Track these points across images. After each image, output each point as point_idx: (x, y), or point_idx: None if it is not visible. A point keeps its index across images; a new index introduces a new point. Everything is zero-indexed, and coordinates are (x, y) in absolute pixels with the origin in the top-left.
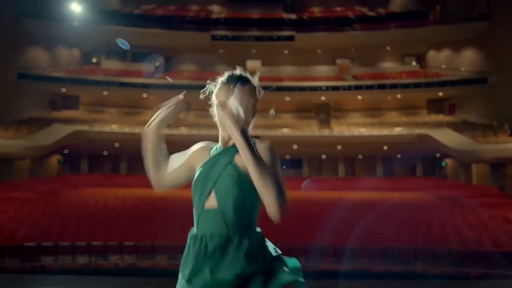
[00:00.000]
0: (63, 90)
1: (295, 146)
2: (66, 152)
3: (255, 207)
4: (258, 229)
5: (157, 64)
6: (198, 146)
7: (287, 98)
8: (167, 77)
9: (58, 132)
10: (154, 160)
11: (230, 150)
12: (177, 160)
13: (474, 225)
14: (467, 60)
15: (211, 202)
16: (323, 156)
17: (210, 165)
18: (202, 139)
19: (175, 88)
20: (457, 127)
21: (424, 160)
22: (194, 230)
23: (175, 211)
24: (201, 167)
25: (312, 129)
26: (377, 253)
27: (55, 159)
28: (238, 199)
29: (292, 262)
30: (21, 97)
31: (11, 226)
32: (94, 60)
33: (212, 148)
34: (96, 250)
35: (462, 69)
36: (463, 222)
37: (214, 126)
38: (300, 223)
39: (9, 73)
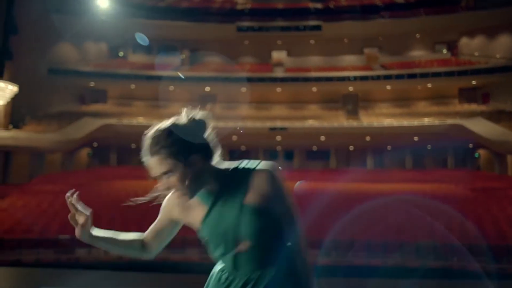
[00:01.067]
0: (92, 84)
1: (322, 138)
2: (95, 146)
3: (284, 235)
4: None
5: (183, 56)
6: (173, 199)
7: (314, 89)
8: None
9: (88, 126)
10: (126, 249)
11: (233, 193)
12: (155, 227)
13: None
14: (502, 46)
15: (242, 246)
16: (351, 148)
17: (219, 215)
18: (228, 132)
19: (201, 81)
20: (492, 116)
21: (455, 151)
22: (228, 275)
23: None
24: (206, 222)
25: (339, 120)
26: (411, 248)
27: (85, 152)
28: (270, 234)
29: None
30: (51, 91)
31: (46, 219)
32: (121, 54)
33: (200, 197)
34: None
35: (497, 56)
36: (501, 216)
37: (239, 118)
38: (327, 217)
39: (40, 68)
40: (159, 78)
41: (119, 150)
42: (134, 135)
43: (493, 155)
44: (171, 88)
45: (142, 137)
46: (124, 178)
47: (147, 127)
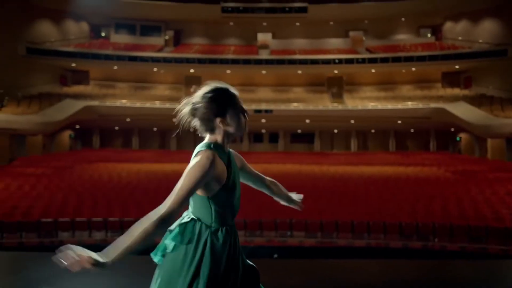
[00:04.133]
0: (73, 65)
1: (307, 121)
2: (77, 128)
3: None
4: None
5: (167, 37)
6: (216, 162)
7: (299, 72)
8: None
9: (70, 108)
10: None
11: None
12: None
13: (491, 201)
14: (486, 31)
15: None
16: (335, 131)
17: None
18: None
19: (185, 62)
20: (473, 101)
21: (437, 135)
22: (218, 225)
23: None
24: (231, 172)
25: (324, 103)
26: (394, 229)
27: (66, 134)
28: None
29: None
30: (30, 72)
31: (28, 202)
32: (103, 34)
33: (219, 155)
34: (112, 226)
35: (480, 40)
36: (480, 198)
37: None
38: (315, 200)
39: (18, 47)
40: (142, 59)
41: (102, 132)
42: (117, 117)
43: (474, 138)
44: (155, 69)
45: (125, 119)
46: (107, 160)
47: (130, 109)
